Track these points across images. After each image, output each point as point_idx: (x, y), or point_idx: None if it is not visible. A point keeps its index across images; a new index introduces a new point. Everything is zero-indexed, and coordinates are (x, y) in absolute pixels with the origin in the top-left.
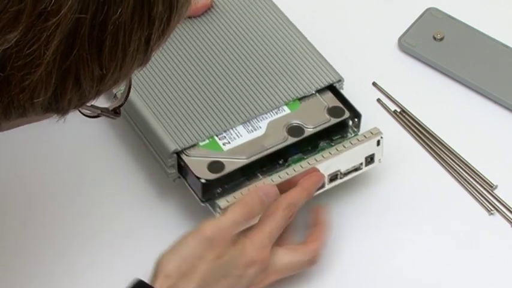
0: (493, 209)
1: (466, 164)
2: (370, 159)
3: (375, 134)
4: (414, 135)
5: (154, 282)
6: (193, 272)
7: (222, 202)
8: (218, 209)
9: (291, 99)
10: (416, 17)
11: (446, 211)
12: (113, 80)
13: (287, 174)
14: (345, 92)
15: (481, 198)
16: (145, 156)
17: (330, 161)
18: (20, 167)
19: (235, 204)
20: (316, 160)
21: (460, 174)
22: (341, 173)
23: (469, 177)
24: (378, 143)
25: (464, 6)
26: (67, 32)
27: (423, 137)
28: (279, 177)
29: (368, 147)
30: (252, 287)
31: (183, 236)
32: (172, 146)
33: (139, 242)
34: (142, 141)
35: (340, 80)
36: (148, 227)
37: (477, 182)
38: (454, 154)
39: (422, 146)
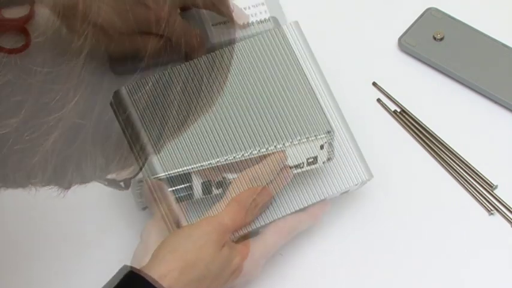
0: (493, 209)
1: (466, 164)
2: (312, 160)
3: (319, 139)
4: (414, 135)
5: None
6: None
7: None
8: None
9: (274, 147)
10: (416, 17)
11: (447, 211)
12: (119, 167)
13: (252, 154)
14: (345, 92)
15: (481, 198)
16: None
17: None
18: None
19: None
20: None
21: (460, 174)
22: None
23: (469, 177)
24: (322, 147)
25: (464, 6)
26: (69, 127)
27: (423, 137)
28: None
29: (310, 149)
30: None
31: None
32: (140, 174)
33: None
34: None
35: (330, 132)
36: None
37: (477, 182)
38: (454, 154)
39: (422, 146)
